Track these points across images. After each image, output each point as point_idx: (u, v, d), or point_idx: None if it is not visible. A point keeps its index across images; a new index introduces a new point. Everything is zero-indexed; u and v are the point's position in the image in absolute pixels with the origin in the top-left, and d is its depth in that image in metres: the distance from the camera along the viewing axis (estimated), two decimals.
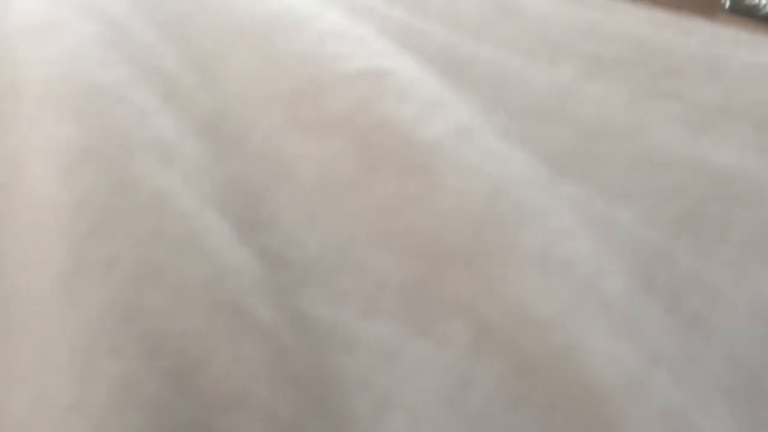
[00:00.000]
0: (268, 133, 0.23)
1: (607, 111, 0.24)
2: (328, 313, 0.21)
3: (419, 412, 0.20)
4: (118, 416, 0.19)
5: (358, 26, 0.24)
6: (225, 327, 0.20)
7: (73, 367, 0.20)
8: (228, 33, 0.24)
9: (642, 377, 0.20)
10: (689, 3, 0.32)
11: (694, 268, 0.22)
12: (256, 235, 0.22)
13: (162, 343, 0.20)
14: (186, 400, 0.20)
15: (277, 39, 0.24)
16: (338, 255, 0.22)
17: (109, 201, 0.21)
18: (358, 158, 0.22)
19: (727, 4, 0.31)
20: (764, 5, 0.30)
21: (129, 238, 0.21)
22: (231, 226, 0.21)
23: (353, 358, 0.21)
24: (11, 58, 0.23)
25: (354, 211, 0.22)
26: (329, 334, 0.21)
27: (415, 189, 0.22)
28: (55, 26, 0.23)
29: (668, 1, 0.30)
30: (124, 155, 0.21)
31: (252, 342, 0.20)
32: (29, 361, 0.20)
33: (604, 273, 0.21)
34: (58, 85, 0.22)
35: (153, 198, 0.21)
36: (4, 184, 0.22)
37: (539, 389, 0.20)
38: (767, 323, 0.22)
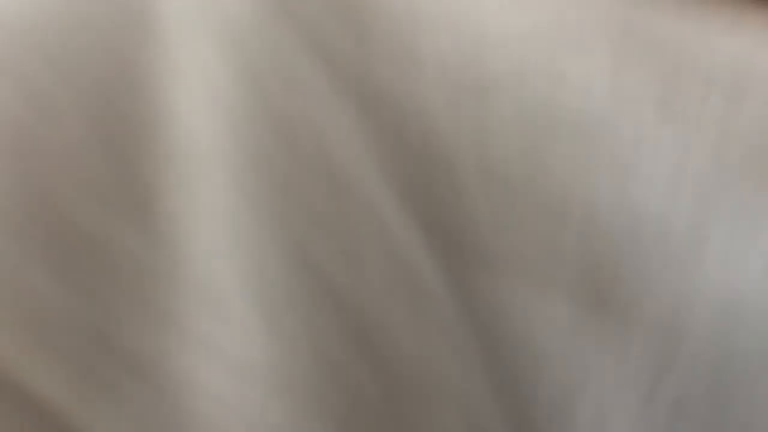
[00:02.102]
0: (424, 125, 0.22)
1: None
2: (500, 294, 0.21)
3: (606, 398, 0.20)
4: (302, 369, 0.19)
5: None
6: (401, 294, 0.20)
7: (251, 316, 0.20)
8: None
9: None
10: None
11: None
12: (429, 212, 0.21)
13: (343, 299, 0.20)
14: (365, 359, 0.20)
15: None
16: (498, 228, 0.21)
17: (266, 138, 0.20)
18: (524, 128, 0.22)
19: None
20: None
21: (299, 193, 0.20)
22: (401, 198, 0.21)
23: (532, 337, 0.21)
24: None
25: (518, 184, 0.22)
26: (503, 315, 0.21)
27: (598, 161, 0.21)
28: None
29: None
30: (287, 95, 0.21)
31: (428, 314, 0.20)
32: (199, 312, 0.20)
33: None
34: (209, 13, 0.22)
35: (318, 150, 0.21)
36: (150, 105, 0.21)
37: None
38: None
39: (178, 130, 0.21)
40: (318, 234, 0.20)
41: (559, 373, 0.20)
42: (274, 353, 0.19)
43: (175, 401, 0.19)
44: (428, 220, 0.21)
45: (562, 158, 0.21)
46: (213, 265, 0.20)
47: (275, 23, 0.22)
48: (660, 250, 0.21)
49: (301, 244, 0.20)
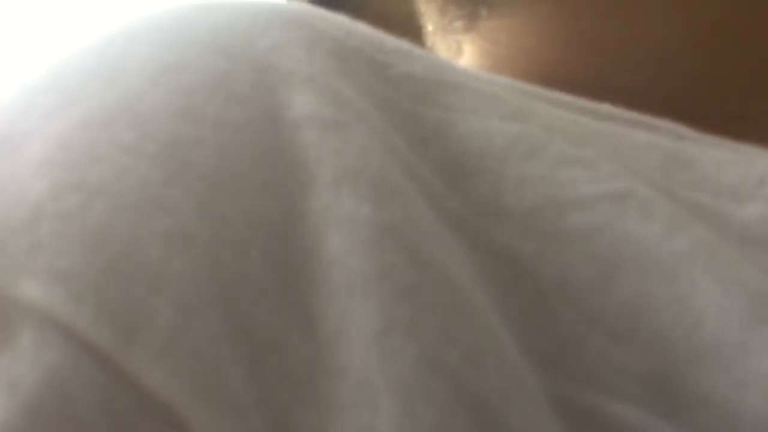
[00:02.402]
0: (507, 238, 0.27)
1: None
2: (578, 396, 0.25)
3: None
4: None
5: (584, 149, 0.28)
6: (513, 390, 0.24)
7: (395, 411, 0.24)
8: (466, 156, 0.28)
9: None
10: None
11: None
12: (507, 321, 0.26)
13: (466, 398, 0.24)
14: None
15: (512, 163, 0.28)
16: (583, 345, 0.26)
17: (407, 273, 0.25)
18: (600, 263, 0.26)
19: None
20: None
21: (426, 306, 0.25)
22: (491, 309, 0.26)
23: None
24: (299, 144, 0.27)
25: (592, 310, 0.26)
26: (582, 415, 0.25)
27: (662, 297, 0.26)
28: (342, 123, 0.28)
29: None
30: (415, 235, 0.26)
31: (532, 408, 0.24)
32: (350, 399, 0.24)
33: None
34: (353, 171, 0.27)
35: (440, 274, 0.25)
36: (308, 250, 0.26)
37: None
38: None
39: (328, 259, 0.26)
40: (447, 342, 0.25)
41: None
42: None
43: None
44: (526, 339, 0.26)
45: (630, 289, 0.27)
46: (365, 364, 0.25)
47: (404, 179, 0.27)
48: (714, 359, 0.26)
49: (433, 349, 0.25)
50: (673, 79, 0.36)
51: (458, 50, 0.40)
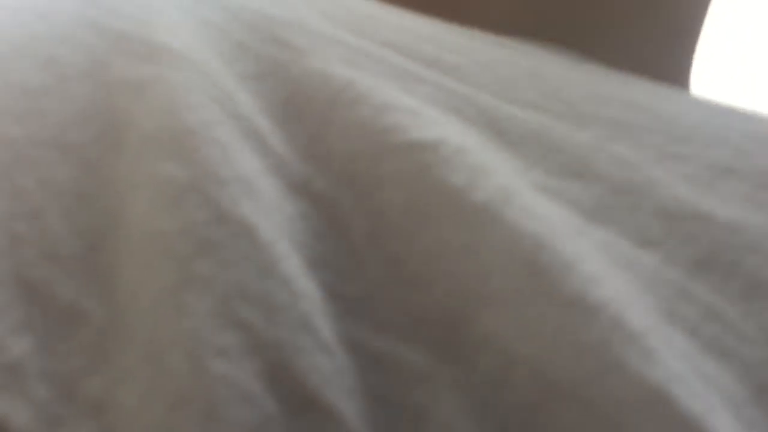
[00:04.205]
0: (325, 184, 0.27)
1: (629, 170, 0.28)
2: (372, 341, 0.25)
3: (451, 428, 0.24)
4: (222, 411, 0.23)
5: (410, 96, 0.28)
6: (302, 341, 0.24)
7: (181, 367, 0.23)
8: (296, 98, 0.28)
9: (662, 394, 0.24)
10: None
11: (710, 301, 0.26)
12: (316, 269, 0.25)
13: (256, 349, 0.24)
14: (272, 396, 0.23)
15: (338, 109, 0.27)
16: (384, 292, 0.25)
17: (207, 230, 0.25)
18: (407, 212, 0.26)
19: None
20: None
21: (223, 262, 0.24)
22: (298, 257, 0.25)
23: (393, 377, 0.25)
24: (118, 108, 0.27)
25: (399, 254, 0.26)
26: (372, 358, 0.25)
27: (461, 241, 0.25)
28: (153, 79, 0.27)
29: None
30: (217, 190, 0.25)
31: (321, 357, 0.24)
32: (139, 361, 0.24)
33: (632, 308, 0.25)
34: (158, 131, 0.26)
35: (241, 228, 0.25)
36: (114, 211, 0.25)
37: (565, 415, 0.24)
38: None
39: (130, 222, 0.25)
40: (241, 296, 0.25)
41: None
42: None
43: None
44: (333, 286, 0.25)
45: (433, 237, 0.26)
46: (156, 322, 0.24)
47: (221, 121, 0.27)
48: (499, 307, 0.25)
49: (226, 304, 0.24)
50: None
51: None
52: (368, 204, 0.26)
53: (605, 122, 0.29)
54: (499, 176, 0.26)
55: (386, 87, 0.28)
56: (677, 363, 0.25)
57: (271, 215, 0.25)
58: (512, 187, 0.26)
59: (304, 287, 0.25)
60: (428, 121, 0.27)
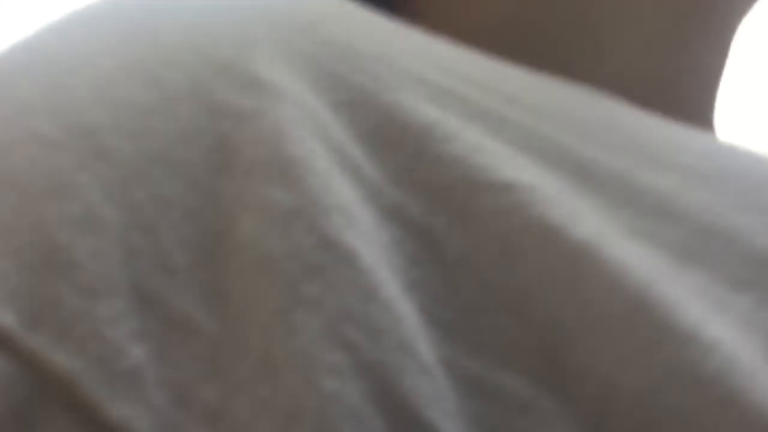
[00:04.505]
0: (419, 211, 0.28)
1: (714, 215, 0.29)
2: (470, 365, 0.26)
3: None
4: (335, 427, 0.24)
5: (495, 140, 0.29)
6: (405, 362, 0.25)
7: (295, 383, 0.25)
8: (388, 126, 0.29)
9: None
10: None
11: None
12: (412, 293, 0.27)
13: (362, 369, 0.25)
14: (380, 415, 0.25)
15: (431, 141, 0.29)
16: (480, 316, 0.27)
17: (314, 254, 0.26)
18: (504, 244, 0.27)
19: None
20: None
21: (329, 285, 0.26)
22: (396, 282, 0.26)
23: (493, 402, 0.26)
24: (223, 133, 0.28)
25: (495, 282, 0.27)
26: (471, 382, 0.26)
27: (562, 274, 0.26)
28: (259, 111, 0.28)
29: None
30: (322, 217, 0.27)
31: (424, 380, 0.25)
32: (253, 375, 0.25)
33: (743, 347, 0.26)
34: (265, 158, 0.27)
35: (345, 254, 0.26)
36: (221, 229, 0.27)
37: None
38: None
39: (239, 241, 0.27)
40: (347, 317, 0.26)
41: None
42: None
43: None
44: (429, 309, 0.27)
45: (531, 270, 0.27)
46: (268, 341, 0.26)
47: (319, 151, 0.28)
48: (600, 335, 0.26)
49: (333, 325, 0.26)
50: None
51: None
52: (463, 232, 0.27)
53: (684, 170, 0.30)
54: (593, 219, 0.28)
55: (473, 130, 0.29)
56: None
57: (370, 242, 0.27)
58: (605, 230, 0.27)
59: (404, 311, 0.26)
60: (521, 165, 0.28)
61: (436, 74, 0.31)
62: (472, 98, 0.30)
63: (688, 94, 0.41)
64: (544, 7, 0.39)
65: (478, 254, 0.27)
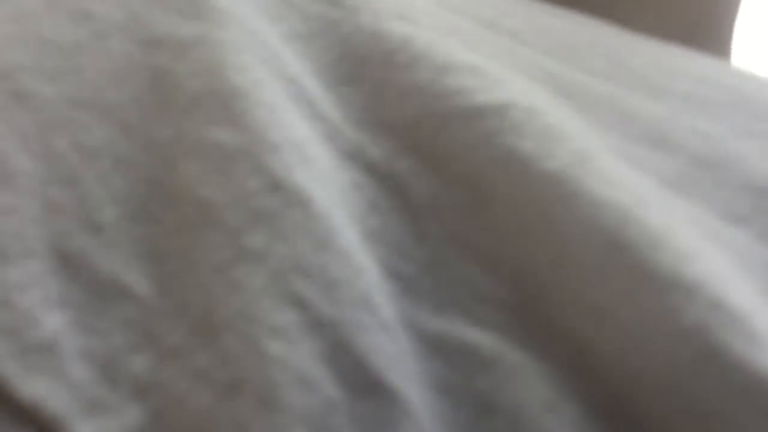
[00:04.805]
0: (381, 153, 0.25)
1: (711, 143, 0.25)
2: (431, 322, 0.23)
3: (519, 417, 0.22)
4: (280, 396, 0.21)
5: (474, 54, 0.26)
6: (363, 319, 0.22)
7: (236, 348, 0.21)
8: (348, 59, 0.26)
9: None
10: None
11: None
12: (371, 243, 0.23)
13: (314, 328, 0.22)
14: (334, 378, 0.21)
15: (394, 71, 0.25)
16: (445, 270, 0.23)
17: (259, 199, 0.23)
18: (472, 185, 0.24)
19: None
20: None
21: (276, 234, 0.22)
22: (354, 230, 0.23)
23: (455, 362, 0.22)
24: (159, 68, 0.25)
25: (463, 230, 0.24)
26: (432, 341, 0.23)
27: (532, 215, 0.23)
28: (201, 40, 0.25)
29: None
30: (269, 156, 0.23)
31: (384, 337, 0.22)
32: (189, 341, 0.22)
33: (732, 286, 0.22)
34: (205, 92, 0.24)
35: (295, 197, 0.23)
36: (156, 178, 0.24)
37: (656, 407, 0.22)
38: None
39: (177, 190, 0.23)
40: (297, 270, 0.22)
41: None
42: None
43: None
44: (389, 261, 0.23)
45: (502, 213, 0.23)
46: (206, 299, 0.22)
47: (271, 85, 0.25)
48: (574, 287, 0.23)
49: (282, 279, 0.22)
50: None
51: None
52: (428, 175, 0.24)
53: (679, 95, 0.27)
54: (575, 139, 0.24)
55: (445, 43, 0.26)
56: None
57: (324, 184, 0.23)
58: (590, 150, 0.24)
59: (363, 262, 0.23)
60: (494, 81, 0.25)
61: None
62: (445, 21, 0.27)
63: (704, 20, 0.37)
64: None
65: (445, 199, 0.24)
